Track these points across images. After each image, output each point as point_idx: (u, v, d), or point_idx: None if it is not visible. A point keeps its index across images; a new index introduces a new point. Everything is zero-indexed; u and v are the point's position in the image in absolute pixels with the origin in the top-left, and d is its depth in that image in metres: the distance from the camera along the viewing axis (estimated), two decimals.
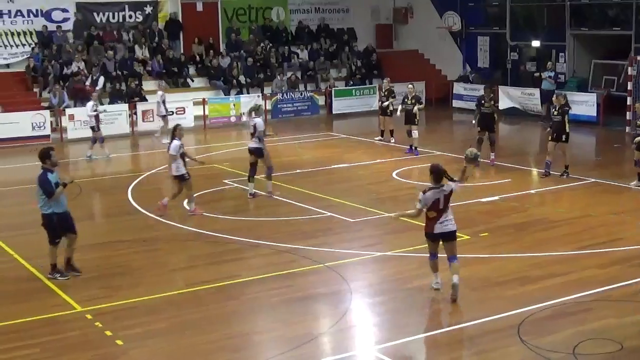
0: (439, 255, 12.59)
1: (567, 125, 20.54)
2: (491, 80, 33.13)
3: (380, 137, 26.83)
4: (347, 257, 14.52)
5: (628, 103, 27.74)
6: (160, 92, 28.11)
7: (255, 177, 19.03)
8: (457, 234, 12.83)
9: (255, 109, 19.59)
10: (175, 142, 17.33)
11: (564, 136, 20.52)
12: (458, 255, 12.57)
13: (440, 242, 12.48)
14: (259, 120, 18.99)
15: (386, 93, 26.70)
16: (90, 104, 24.84)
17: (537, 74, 31.82)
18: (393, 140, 26.32)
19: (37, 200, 13.81)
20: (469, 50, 36.92)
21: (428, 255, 12.69)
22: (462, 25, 36.61)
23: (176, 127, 17.77)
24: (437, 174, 12.48)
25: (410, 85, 25.43)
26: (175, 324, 11.71)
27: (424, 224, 12.55)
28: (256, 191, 18.98)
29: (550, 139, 20.73)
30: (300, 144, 27.00)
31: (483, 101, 22.65)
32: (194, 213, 17.62)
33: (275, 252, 15.00)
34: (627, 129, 27.36)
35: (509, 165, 22.24)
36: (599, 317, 11.63)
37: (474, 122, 22.98)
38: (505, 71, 35.30)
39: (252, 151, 19.03)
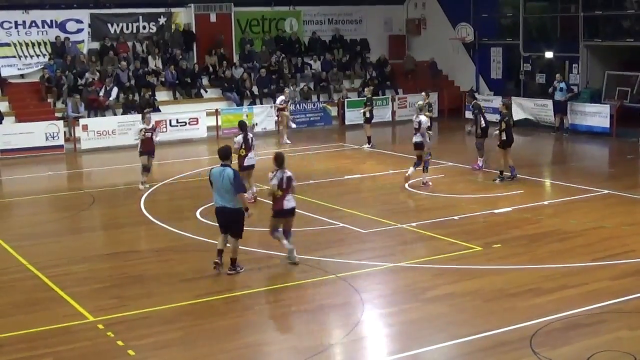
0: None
1: (504, 132, 21.39)
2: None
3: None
4: (359, 268, 14.51)
5: None
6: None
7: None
8: (469, 244, 12.87)
9: (422, 107, 21.91)
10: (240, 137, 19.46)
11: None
12: (471, 267, 12.55)
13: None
14: (423, 118, 21.21)
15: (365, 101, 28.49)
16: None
17: (554, 86, 31.65)
18: (367, 147, 27.43)
19: (224, 196, 14.07)
20: (481, 61, 36.88)
21: (272, 231, 14.76)
22: (475, 37, 36.57)
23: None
24: (280, 159, 14.71)
25: (423, 94, 25.85)
26: (188, 335, 11.71)
27: (273, 204, 14.68)
28: None
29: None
30: (313, 155, 27.02)
31: (483, 109, 23.04)
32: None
33: (287, 262, 14.98)
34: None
35: (521, 176, 22.16)
36: (612, 329, 11.57)
37: (468, 128, 23.18)
38: (518, 82, 35.22)
39: (416, 145, 21.20)
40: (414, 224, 17.43)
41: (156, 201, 20.40)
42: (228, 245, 14.32)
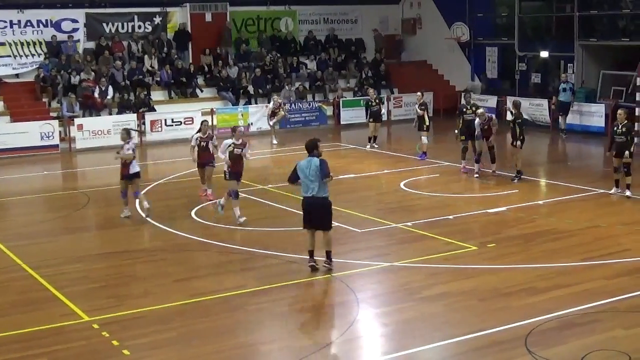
0: None
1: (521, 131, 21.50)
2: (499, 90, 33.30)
3: (370, 144, 27.74)
4: (354, 267, 14.51)
5: (637, 114, 27.68)
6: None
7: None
8: (464, 244, 12.96)
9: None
10: (195, 135, 20.08)
11: (517, 142, 21.52)
12: (466, 266, 12.60)
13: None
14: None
15: (377, 101, 28.12)
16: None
17: (561, 86, 31.57)
18: (368, 146, 27.39)
19: (312, 185, 14.02)
20: (477, 60, 36.90)
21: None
22: (471, 36, 36.61)
23: (204, 122, 20.73)
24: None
25: (419, 93, 25.84)
26: (183, 334, 11.70)
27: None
28: None
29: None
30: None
31: (465, 109, 22.77)
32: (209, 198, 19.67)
33: (283, 262, 14.99)
34: (636, 139, 27.28)
35: (510, 174, 22.17)
36: (607, 328, 11.59)
37: (456, 131, 23.02)
38: (513, 82, 35.24)
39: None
40: (409, 224, 17.44)
41: (151, 201, 20.35)
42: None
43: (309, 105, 33.80)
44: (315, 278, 14.03)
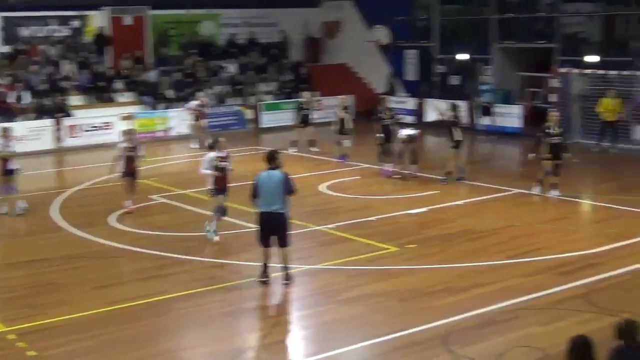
0: None
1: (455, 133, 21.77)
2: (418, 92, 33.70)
3: (295, 149, 27.53)
4: (275, 271, 14.47)
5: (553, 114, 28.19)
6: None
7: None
8: (385, 245, 13.11)
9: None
10: (122, 144, 19.27)
11: (452, 143, 21.77)
12: (386, 267, 12.72)
13: None
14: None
15: (310, 105, 27.88)
16: None
17: (482, 87, 31.99)
18: (293, 150, 27.24)
19: (273, 200, 13.49)
20: (397, 63, 37.22)
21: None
22: (391, 39, 36.91)
23: (128, 131, 20.01)
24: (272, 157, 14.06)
25: (343, 96, 26.08)
26: (103, 342, 11.53)
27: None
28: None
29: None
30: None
31: (381, 114, 22.99)
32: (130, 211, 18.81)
33: (204, 267, 14.92)
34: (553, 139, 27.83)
35: (436, 177, 22.44)
36: (524, 325, 11.81)
37: (377, 135, 23.17)
38: (432, 84, 35.64)
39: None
40: (330, 226, 17.51)
41: (70, 207, 20.07)
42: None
43: (229, 108, 33.65)
44: (237, 282, 13.98)
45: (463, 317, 12.01)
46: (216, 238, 16.40)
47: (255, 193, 13.68)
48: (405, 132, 22.61)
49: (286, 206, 13.62)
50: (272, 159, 13.84)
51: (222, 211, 16.60)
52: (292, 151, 27.13)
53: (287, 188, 13.59)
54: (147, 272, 14.77)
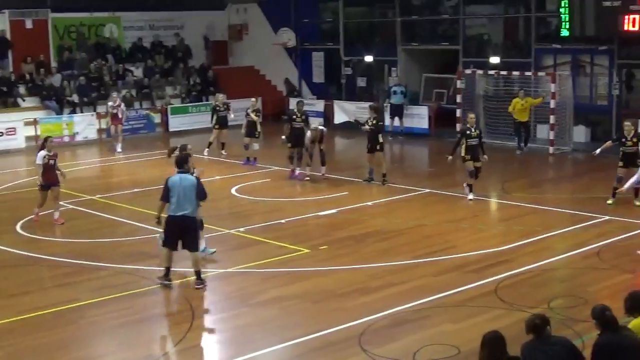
0: None
1: (380, 135, 21.58)
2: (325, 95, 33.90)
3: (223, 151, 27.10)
4: (188, 275, 14.35)
5: (457, 115, 28.71)
6: None
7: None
8: (297, 247, 13.20)
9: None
10: (42, 153, 17.90)
11: (378, 146, 21.52)
12: (299, 269, 12.82)
13: None
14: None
15: (225, 106, 27.22)
16: None
17: (392, 89, 32.18)
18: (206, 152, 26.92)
19: (184, 204, 13.43)
20: (304, 65, 37.34)
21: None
22: (297, 41, 37.02)
23: (46, 138, 18.49)
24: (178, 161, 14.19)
25: (253, 99, 25.96)
26: (11, 353, 11.26)
27: None
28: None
29: (368, 150, 21.73)
30: (137, 163, 26.61)
31: (294, 116, 22.91)
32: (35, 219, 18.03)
33: (114, 273, 14.70)
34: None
35: (346, 178, 22.59)
36: (436, 323, 11.97)
37: (283, 137, 23.11)
38: (340, 86, 35.87)
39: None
40: (241, 229, 17.45)
41: None
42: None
43: (137, 113, 33.24)
44: (149, 288, 13.81)
45: (376, 317, 12.10)
46: (211, 251, 15.50)
47: (166, 196, 13.58)
48: (315, 125, 22.65)
49: (196, 211, 13.58)
50: (182, 163, 13.85)
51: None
52: (206, 153, 26.92)
53: (200, 193, 13.57)
54: (56, 280, 14.51)
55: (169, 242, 13.68)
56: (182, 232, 13.57)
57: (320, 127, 22.65)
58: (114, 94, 30.24)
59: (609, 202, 18.86)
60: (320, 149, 22.47)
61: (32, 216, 18.41)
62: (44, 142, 18.37)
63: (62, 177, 18.42)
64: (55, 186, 18.18)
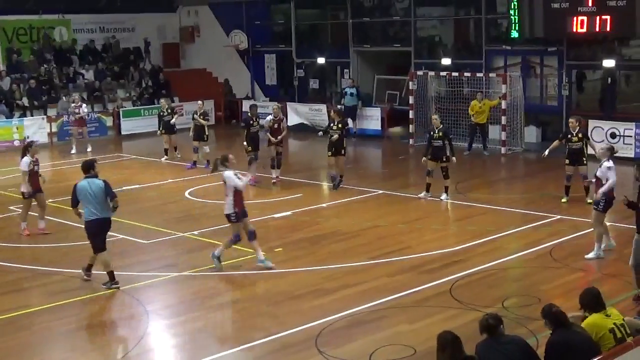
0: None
1: (345, 139, 21.43)
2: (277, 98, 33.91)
3: (166, 157, 26.70)
4: (142, 279, 14.28)
5: (410, 116, 28.86)
6: None
7: None
8: (251, 249, 13.12)
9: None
10: (26, 159, 17.18)
11: (343, 150, 21.35)
12: (254, 272, 13.23)
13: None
14: None
15: (170, 110, 26.79)
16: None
17: (346, 90, 32.24)
18: (165, 158, 26.68)
19: (97, 207, 13.63)
20: (256, 67, 37.29)
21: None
22: (249, 43, 36.96)
23: (31, 142, 17.88)
24: (214, 163, 14.85)
25: (199, 102, 25.74)
26: None
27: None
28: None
29: (330, 154, 21.36)
30: None
31: (252, 121, 22.84)
32: (26, 234, 17.35)
33: (66, 278, 14.52)
34: (411, 141, 28.52)
35: (299, 180, 22.59)
36: (392, 323, 12.01)
37: (245, 143, 22.96)
38: (292, 88, 35.87)
39: None
40: (195, 232, 17.37)
41: None
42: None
43: (88, 116, 32.86)
44: (102, 293, 13.68)
45: (332, 318, 12.12)
46: (220, 265, 14.79)
47: (74, 201, 13.86)
48: (269, 118, 22.57)
49: (109, 212, 13.88)
50: (89, 168, 14.05)
51: (236, 238, 14.99)
52: (164, 160, 26.66)
53: (111, 194, 13.82)
54: (8, 286, 14.26)
55: (97, 247, 13.88)
56: (99, 234, 13.85)
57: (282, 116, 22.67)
58: (75, 95, 30.08)
59: (564, 200, 19.09)
60: (278, 152, 22.33)
61: (20, 233, 17.55)
62: (27, 147, 17.56)
63: (42, 182, 17.75)
64: (40, 193, 17.57)
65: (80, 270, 14.34)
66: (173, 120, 26.60)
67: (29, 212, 17.61)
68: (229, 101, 37.11)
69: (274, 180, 22.36)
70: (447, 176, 19.96)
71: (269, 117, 22.56)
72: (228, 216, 14.69)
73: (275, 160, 22.40)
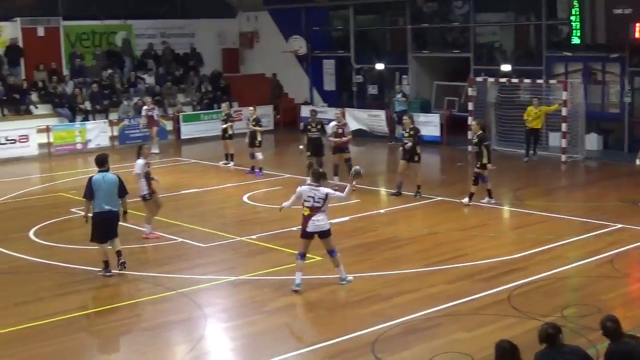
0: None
1: (418, 146, 21.13)
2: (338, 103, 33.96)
3: (225, 161, 26.84)
4: (200, 282, 14.40)
5: (469, 123, 28.66)
6: None
7: None
8: (309, 255, 13.16)
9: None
10: (140, 161, 17.30)
11: (416, 157, 21.10)
12: (311, 277, 13.29)
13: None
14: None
15: (225, 117, 26.91)
16: None
17: (394, 98, 32.30)
18: (232, 164, 26.55)
19: (108, 201, 14.59)
20: (315, 73, 37.37)
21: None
22: (308, 49, 37.07)
23: (142, 145, 17.98)
24: (316, 174, 14.07)
25: (251, 108, 25.84)
26: None
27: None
28: None
29: (402, 158, 21.25)
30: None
31: (309, 126, 22.89)
32: (148, 237, 17.45)
33: (126, 280, 14.72)
34: (470, 147, 28.29)
35: (357, 186, 22.51)
36: (449, 331, 11.93)
37: (301, 147, 23.04)
38: (351, 94, 35.88)
39: None
40: (253, 237, 17.45)
41: None
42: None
43: (158, 117, 33.27)
44: (160, 295, 13.83)
45: (388, 325, 12.08)
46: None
47: (89, 194, 14.68)
48: (332, 124, 22.57)
49: (119, 205, 14.86)
50: (103, 162, 14.98)
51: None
52: (222, 163, 26.81)
53: (122, 190, 14.85)
54: (67, 287, 14.49)
55: (98, 237, 14.81)
56: (107, 225, 14.77)
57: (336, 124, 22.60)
58: (147, 98, 30.99)
59: None
60: (347, 159, 22.29)
61: (145, 232, 17.60)
62: (140, 150, 17.51)
63: (157, 183, 17.81)
64: (155, 195, 17.61)
65: (139, 273, 14.52)
66: (224, 125, 26.71)
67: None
68: (277, 96, 37.24)
69: (336, 188, 22.22)
70: (475, 182, 19.96)
71: (333, 123, 22.55)
72: (329, 231, 14.06)
73: (337, 168, 22.37)
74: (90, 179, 14.78)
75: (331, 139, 22.33)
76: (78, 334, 12.31)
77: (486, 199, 20.06)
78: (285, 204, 14.43)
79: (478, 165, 19.81)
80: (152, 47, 37.15)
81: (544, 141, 27.80)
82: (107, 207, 14.59)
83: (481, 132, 20.15)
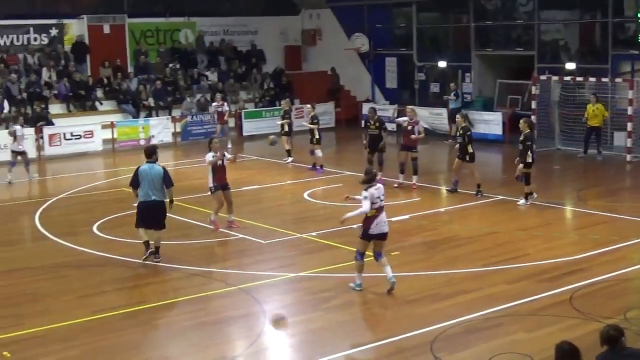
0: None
1: (469, 145, 20.91)
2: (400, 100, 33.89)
3: (285, 158, 26.94)
4: (260, 278, 14.49)
5: (533, 121, 28.31)
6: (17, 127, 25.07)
7: None
8: (368, 252, 13.31)
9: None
10: (209, 154, 17.73)
11: (467, 156, 20.92)
12: (370, 274, 13.25)
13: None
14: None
15: (282, 114, 27.01)
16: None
17: (446, 97, 32.21)
18: (290, 160, 26.68)
19: (154, 191, 15.22)
20: (377, 71, 37.32)
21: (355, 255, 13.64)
22: (370, 47, 37.02)
23: (212, 139, 18.30)
24: (370, 174, 13.55)
25: (309, 106, 25.91)
26: (87, 352, 11.48)
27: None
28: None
29: (457, 157, 21.12)
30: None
31: (369, 123, 22.87)
32: (215, 228, 17.90)
33: (187, 275, 14.87)
34: (533, 147, 27.95)
35: (418, 184, 22.46)
36: (509, 331, 11.84)
37: (364, 142, 23.07)
38: (413, 91, 35.75)
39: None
40: (313, 234, 17.50)
41: (51, 216, 19.96)
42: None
43: (211, 116, 33.54)
44: (220, 290, 13.95)
45: (448, 324, 12.02)
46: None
47: (135, 183, 15.35)
48: (403, 119, 22.56)
49: (164, 196, 15.36)
50: (152, 153, 15.58)
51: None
52: (284, 160, 26.91)
53: (167, 181, 15.33)
54: (129, 281, 14.74)
55: (139, 222, 15.51)
56: (150, 215, 15.35)
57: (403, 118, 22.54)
58: (217, 95, 31.52)
59: None
60: (413, 158, 22.17)
61: (211, 222, 18.03)
62: (210, 144, 17.82)
63: (233, 160, 19.04)
64: (226, 188, 17.87)
65: (199, 268, 14.64)
66: (279, 122, 26.88)
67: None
68: (335, 90, 37.23)
69: (396, 185, 22.25)
70: (527, 181, 19.78)
71: (405, 118, 22.46)
72: (387, 233, 13.81)
73: (404, 166, 22.32)
74: (137, 168, 15.47)
75: (398, 119, 22.60)
76: (138, 327, 12.47)
77: (522, 201, 19.80)
78: (363, 210, 13.34)
79: (522, 165, 19.59)
80: (213, 45, 37.42)
81: (608, 141, 27.39)
82: (152, 197, 15.19)
83: (528, 130, 19.96)
